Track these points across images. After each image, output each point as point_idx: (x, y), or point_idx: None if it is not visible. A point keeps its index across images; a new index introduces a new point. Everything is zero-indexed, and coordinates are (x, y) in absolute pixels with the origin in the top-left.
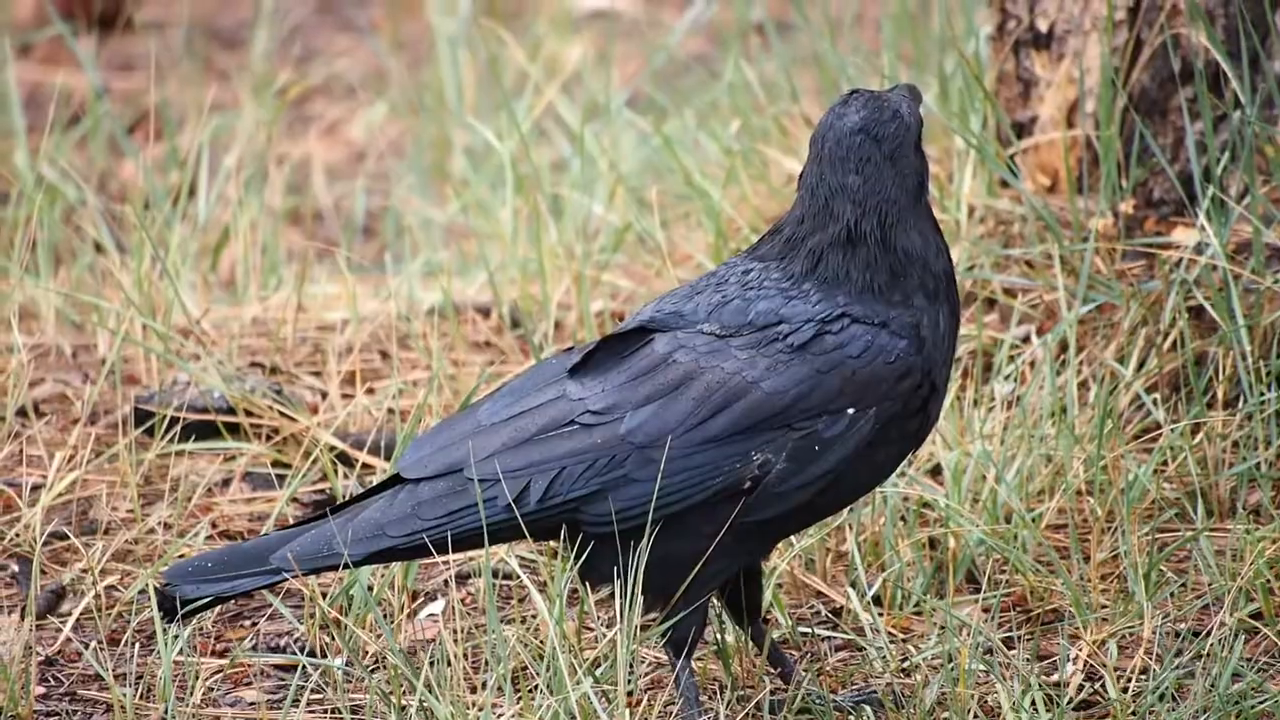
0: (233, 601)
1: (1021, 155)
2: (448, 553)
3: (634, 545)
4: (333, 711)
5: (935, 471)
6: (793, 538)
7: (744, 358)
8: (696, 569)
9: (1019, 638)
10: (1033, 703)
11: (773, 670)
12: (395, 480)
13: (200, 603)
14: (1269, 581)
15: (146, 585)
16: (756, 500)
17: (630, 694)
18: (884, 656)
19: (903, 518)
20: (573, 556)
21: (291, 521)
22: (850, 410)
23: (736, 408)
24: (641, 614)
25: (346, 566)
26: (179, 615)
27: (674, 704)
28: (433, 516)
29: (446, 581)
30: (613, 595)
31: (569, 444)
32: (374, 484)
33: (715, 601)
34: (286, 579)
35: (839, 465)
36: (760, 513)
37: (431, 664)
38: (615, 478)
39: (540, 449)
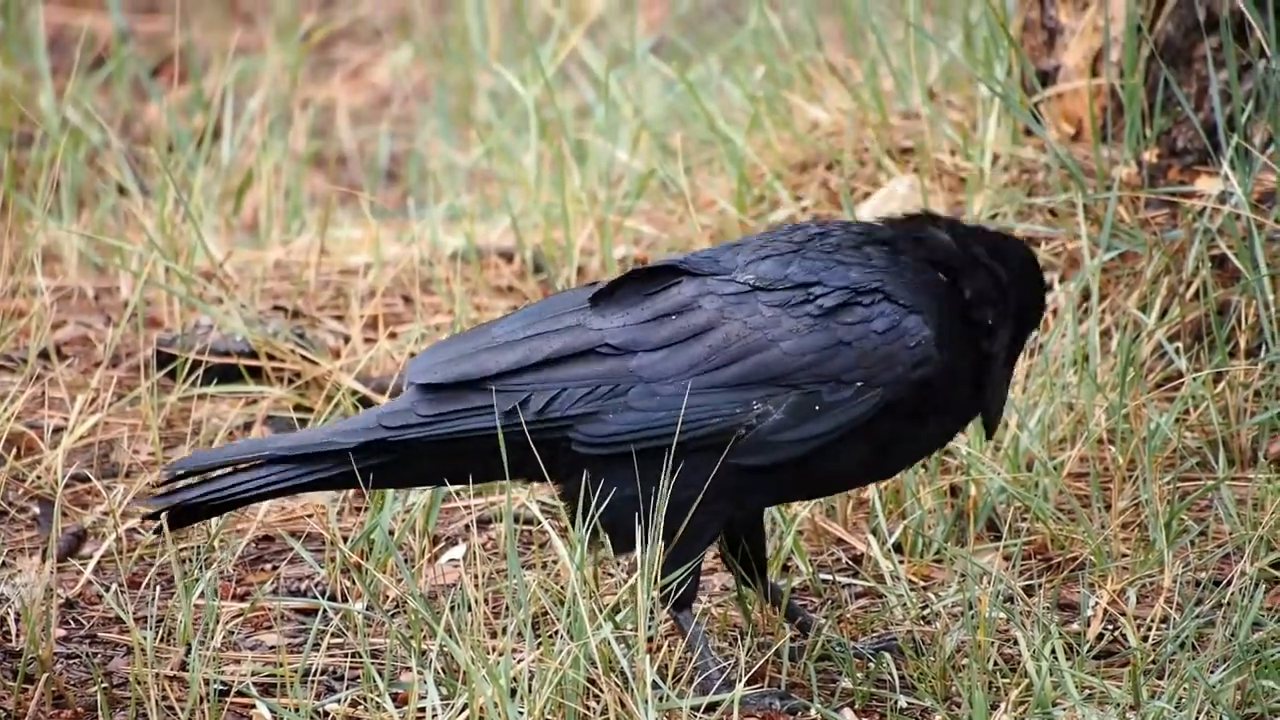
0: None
1: (1046, 103)
2: (439, 460)
3: (637, 482)
4: (353, 655)
5: None
6: None
7: (769, 315)
8: (688, 517)
9: (1039, 586)
10: (1053, 651)
11: (791, 624)
12: None
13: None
14: None
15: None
16: (746, 445)
17: (650, 640)
18: (904, 604)
19: (924, 465)
20: (594, 504)
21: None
22: (858, 384)
23: (749, 361)
24: (623, 553)
25: (339, 453)
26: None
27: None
28: (429, 413)
29: (467, 526)
30: (618, 541)
31: (576, 369)
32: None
33: (723, 560)
34: (276, 468)
35: (832, 431)
36: (747, 457)
37: (452, 608)
38: (614, 405)
39: (547, 369)
